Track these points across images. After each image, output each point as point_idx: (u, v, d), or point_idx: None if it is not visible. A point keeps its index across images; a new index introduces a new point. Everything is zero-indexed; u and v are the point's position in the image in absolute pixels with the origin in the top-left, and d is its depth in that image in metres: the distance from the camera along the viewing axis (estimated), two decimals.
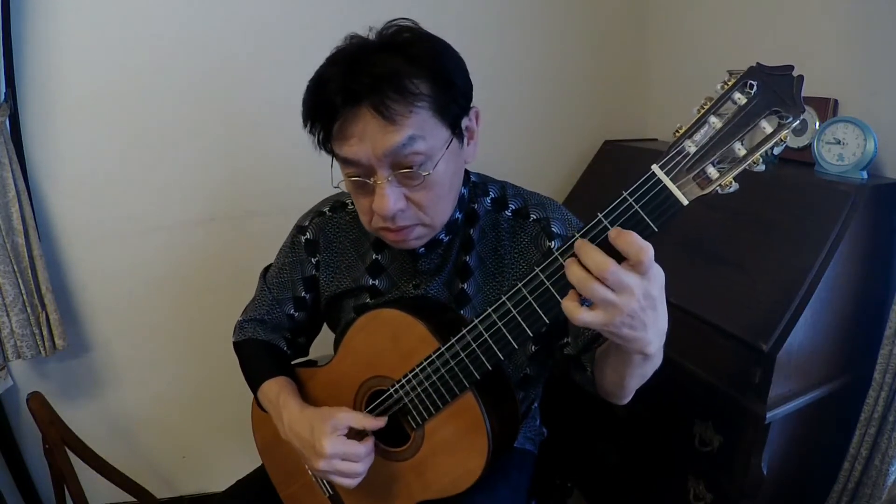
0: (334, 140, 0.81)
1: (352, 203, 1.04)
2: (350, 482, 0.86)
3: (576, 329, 0.92)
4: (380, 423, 0.88)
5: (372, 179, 0.80)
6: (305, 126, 0.84)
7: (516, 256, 0.94)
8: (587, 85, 1.93)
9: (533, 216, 0.95)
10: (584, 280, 0.61)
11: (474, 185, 0.99)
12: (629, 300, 0.60)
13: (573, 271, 0.62)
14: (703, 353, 1.20)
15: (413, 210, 0.83)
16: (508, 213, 0.96)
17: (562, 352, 0.94)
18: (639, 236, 0.59)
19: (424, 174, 0.80)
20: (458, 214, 0.94)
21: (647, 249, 0.59)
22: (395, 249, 0.98)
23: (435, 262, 0.96)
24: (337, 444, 0.84)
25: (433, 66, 0.79)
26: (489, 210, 0.97)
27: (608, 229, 0.62)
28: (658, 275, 0.62)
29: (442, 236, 0.94)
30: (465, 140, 0.88)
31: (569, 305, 0.63)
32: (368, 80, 0.75)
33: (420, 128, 0.77)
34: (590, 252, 0.61)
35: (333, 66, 0.79)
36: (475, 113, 0.88)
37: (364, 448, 0.86)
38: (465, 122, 0.86)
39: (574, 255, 0.63)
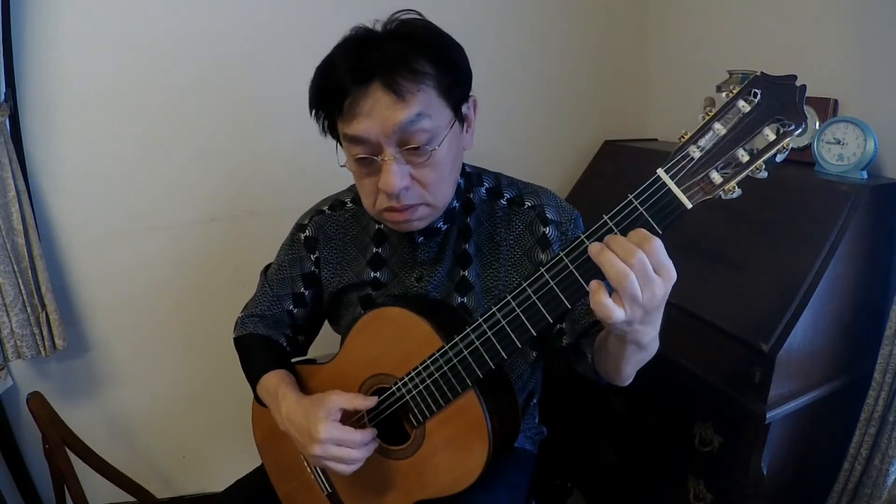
0: (342, 119, 0.83)
1: (350, 201, 1.06)
2: (346, 468, 0.86)
3: (571, 319, 0.93)
4: (370, 402, 0.89)
5: (379, 157, 0.83)
6: (312, 111, 0.87)
7: (511, 243, 0.96)
8: (587, 85, 1.93)
9: (528, 203, 0.97)
10: (624, 274, 0.61)
11: (469, 175, 1.01)
12: (652, 299, 0.62)
13: (610, 260, 0.61)
14: (703, 353, 1.20)
15: (417, 189, 0.85)
16: (504, 201, 0.99)
17: (559, 342, 0.95)
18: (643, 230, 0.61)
19: (431, 150, 0.82)
20: (455, 203, 0.96)
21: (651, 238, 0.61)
22: (395, 242, 1.00)
23: (434, 250, 0.98)
24: (331, 429, 0.85)
25: (437, 49, 0.83)
26: (485, 199, 0.99)
27: (613, 231, 0.63)
28: (674, 274, 0.64)
29: (440, 224, 0.96)
30: (464, 127, 0.91)
31: (601, 300, 0.63)
32: (379, 59, 0.78)
33: (427, 105, 0.81)
34: (621, 241, 0.62)
35: (342, 52, 0.83)
36: (473, 101, 0.92)
37: (360, 436, 0.86)
38: (464, 109, 0.89)
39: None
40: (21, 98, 1.47)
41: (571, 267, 0.67)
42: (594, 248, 0.63)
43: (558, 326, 0.95)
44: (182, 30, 1.54)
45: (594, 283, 0.64)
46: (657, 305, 0.64)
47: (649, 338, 0.71)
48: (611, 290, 0.63)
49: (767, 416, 1.08)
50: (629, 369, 0.82)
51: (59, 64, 1.48)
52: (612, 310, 0.62)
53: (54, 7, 1.44)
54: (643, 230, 0.61)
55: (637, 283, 0.61)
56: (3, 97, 1.42)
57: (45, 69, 1.48)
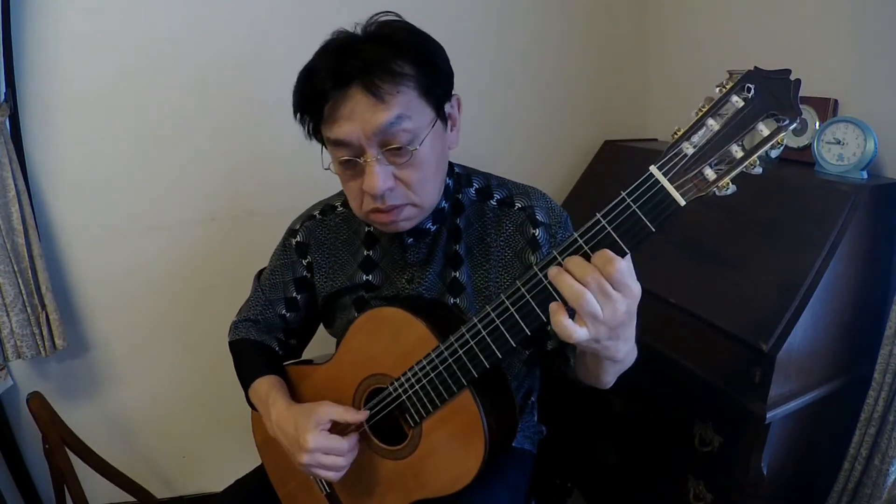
0: (325, 123, 0.84)
1: (341, 205, 1.06)
2: (333, 475, 0.88)
3: None
4: (361, 416, 0.90)
5: (362, 159, 0.83)
6: (296, 116, 0.88)
7: (502, 244, 0.96)
8: (587, 85, 1.93)
9: (518, 204, 0.97)
10: (579, 293, 0.62)
11: (458, 175, 1.01)
12: (614, 316, 0.63)
13: (566, 281, 0.63)
14: (703, 353, 1.19)
15: (402, 189, 0.86)
16: (493, 202, 0.99)
17: (545, 346, 0.96)
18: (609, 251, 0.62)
19: (412, 150, 0.83)
20: (444, 204, 0.96)
21: (615, 260, 0.62)
22: (385, 244, 1.00)
23: (423, 252, 0.98)
24: (319, 439, 0.86)
25: (417, 51, 0.83)
26: (474, 200, 0.99)
27: (606, 229, 0.63)
28: (638, 290, 0.65)
29: (428, 225, 0.95)
30: (449, 126, 0.91)
31: (560, 321, 0.64)
32: (358, 63, 0.79)
33: (407, 107, 0.81)
34: (577, 262, 0.63)
35: (322, 57, 0.84)
36: (457, 100, 0.92)
37: (346, 443, 0.87)
38: (447, 108, 0.89)
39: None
40: (21, 98, 1.47)
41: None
42: (552, 272, 0.65)
43: (549, 328, 0.95)
44: (182, 30, 1.54)
45: (553, 305, 0.65)
46: (622, 322, 0.65)
47: (622, 353, 0.71)
48: (573, 313, 0.64)
49: (767, 416, 1.08)
50: (608, 378, 0.83)
51: (59, 64, 1.49)
52: (573, 330, 0.63)
53: (54, 7, 1.45)
54: (608, 252, 0.62)
55: (594, 301, 0.62)
56: (3, 97, 1.43)
57: (45, 69, 1.48)
